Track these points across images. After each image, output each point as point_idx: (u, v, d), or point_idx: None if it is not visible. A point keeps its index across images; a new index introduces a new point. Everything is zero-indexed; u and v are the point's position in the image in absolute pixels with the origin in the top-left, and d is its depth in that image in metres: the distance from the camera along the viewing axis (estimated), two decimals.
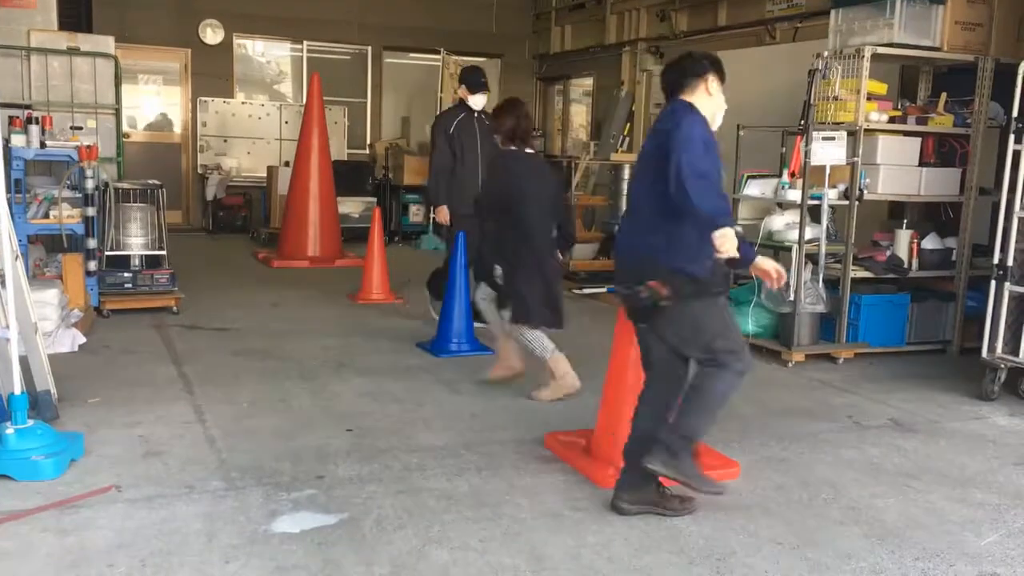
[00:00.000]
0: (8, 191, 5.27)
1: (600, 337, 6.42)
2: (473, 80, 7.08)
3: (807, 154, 6.11)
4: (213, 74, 13.01)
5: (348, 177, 11.60)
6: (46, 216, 6.60)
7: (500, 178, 5.28)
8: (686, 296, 3.47)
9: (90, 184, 6.57)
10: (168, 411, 4.74)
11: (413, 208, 12.35)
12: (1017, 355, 5.42)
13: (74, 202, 6.71)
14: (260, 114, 13.19)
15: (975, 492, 4.00)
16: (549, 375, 5.19)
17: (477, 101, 7.04)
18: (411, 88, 14.27)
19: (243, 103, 13.21)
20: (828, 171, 6.13)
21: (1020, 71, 5.32)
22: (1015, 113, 5.39)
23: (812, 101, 6.27)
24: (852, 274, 6.32)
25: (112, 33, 8.80)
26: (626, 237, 3.73)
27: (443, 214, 6.76)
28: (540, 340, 5.16)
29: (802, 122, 6.29)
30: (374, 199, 11.85)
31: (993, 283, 5.50)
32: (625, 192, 10.05)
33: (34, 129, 6.57)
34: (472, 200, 5.96)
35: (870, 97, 6.25)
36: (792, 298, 6.18)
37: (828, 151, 6.10)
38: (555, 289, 5.19)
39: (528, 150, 5.28)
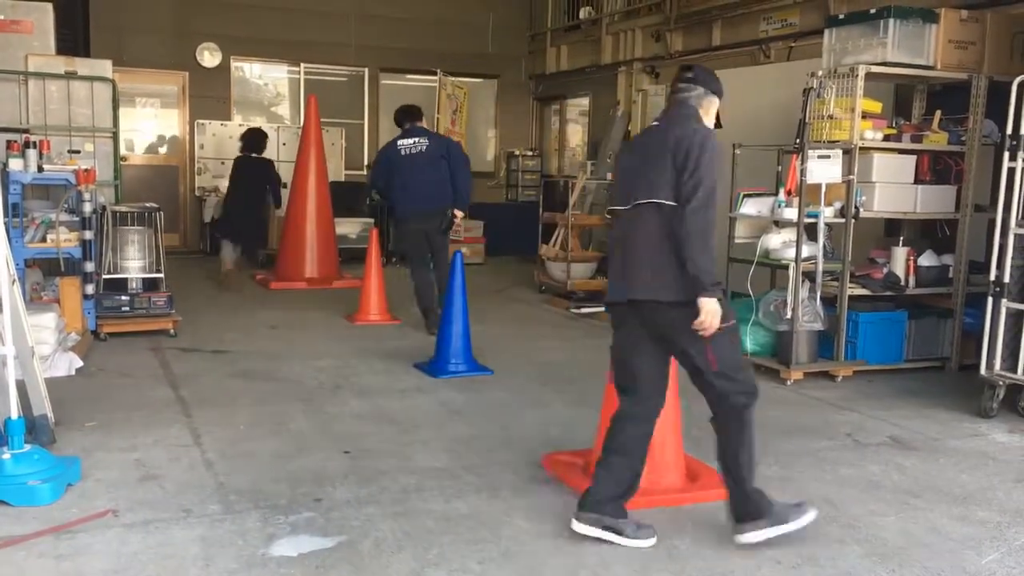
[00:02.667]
0: (6, 215, 5.29)
1: (598, 356, 6.43)
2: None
3: (803, 172, 6.13)
4: (211, 97, 13.06)
5: (345, 198, 11.63)
6: (43, 240, 6.60)
7: None
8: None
9: (88, 207, 6.58)
10: (165, 434, 4.73)
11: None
12: (1015, 372, 5.41)
13: (71, 225, 6.71)
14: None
15: (975, 509, 3.99)
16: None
17: None
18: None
19: (240, 125, 13.22)
20: (824, 189, 6.16)
21: (1013, 89, 5.35)
22: (1009, 130, 5.41)
23: (807, 120, 6.30)
24: (849, 291, 6.33)
25: (110, 57, 8.82)
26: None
27: None
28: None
29: (797, 140, 6.31)
30: (371, 220, 11.86)
31: (990, 300, 5.50)
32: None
33: (32, 153, 6.58)
34: None
35: (865, 115, 6.28)
36: (790, 316, 6.19)
37: (824, 169, 6.12)
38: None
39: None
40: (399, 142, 7.78)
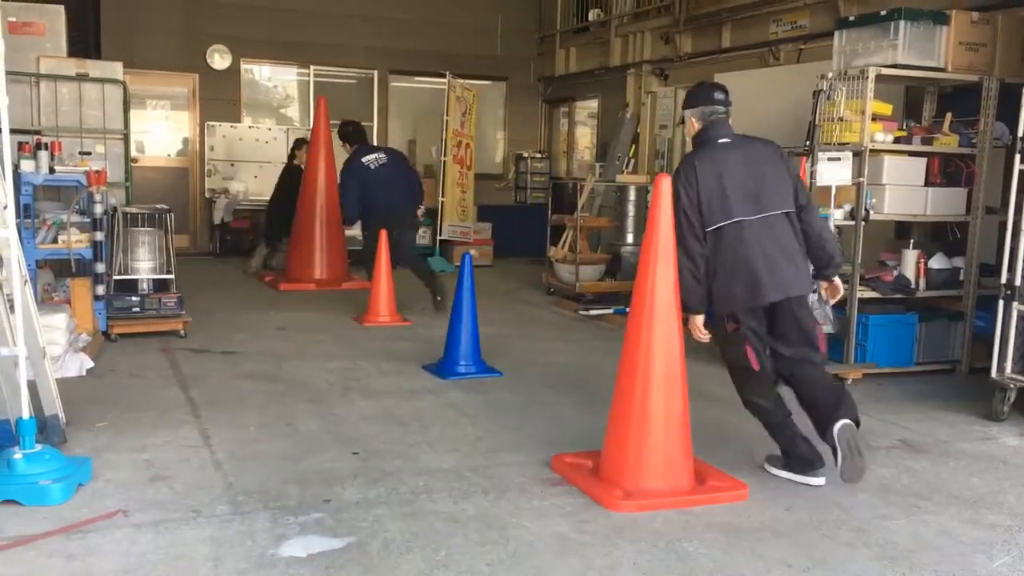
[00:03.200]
0: (17, 216, 5.31)
1: (606, 358, 6.42)
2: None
3: (813, 175, 6.11)
4: (220, 99, 13.10)
5: None
6: (55, 241, 6.63)
7: None
8: None
9: (99, 209, 6.61)
10: (175, 435, 4.74)
11: (420, 230, 12.36)
12: None
13: (83, 227, 6.74)
14: (267, 138, 13.26)
15: (986, 513, 3.97)
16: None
17: None
18: (417, 111, 14.35)
19: (250, 127, 13.28)
20: (834, 191, 6.14)
21: None
22: (1020, 133, 5.39)
23: (817, 122, 6.29)
24: (859, 294, 6.31)
25: (120, 59, 8.86)
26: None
27: None
28: None
29: (807, 143, 6.30)
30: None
31: (1001, 303, 5.48)
32: (631, 214, 10.09)
33: (43, 155, 6.61)
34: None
35: (875, 118, 6.26)
36: None
37: (834, 172, 6.11)
38: None
39: None
40: (364, 159, 8.60)
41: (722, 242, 4.11)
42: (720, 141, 4.24)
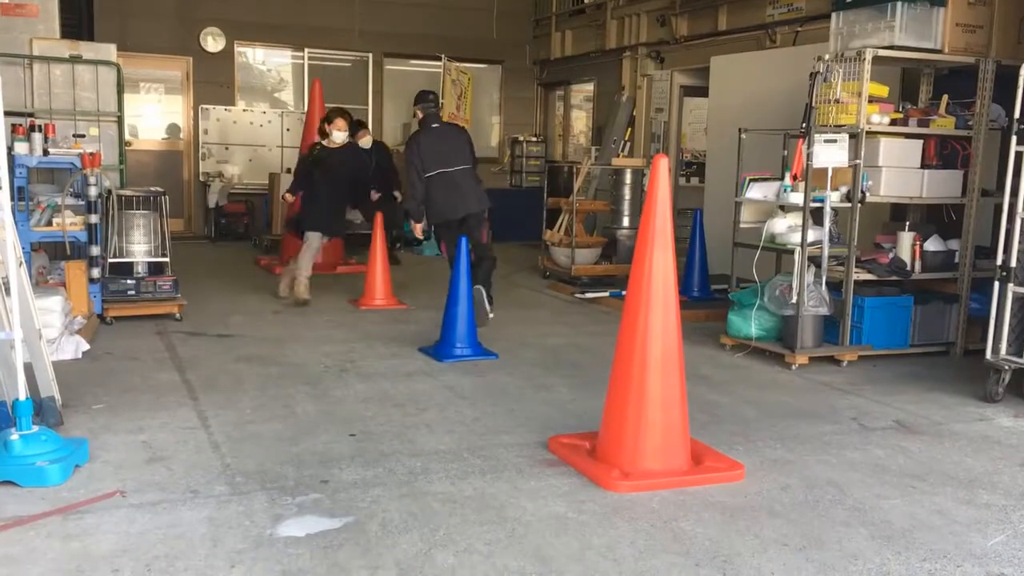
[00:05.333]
0: (12, 199, 5.28)
1: (602, 340, 6.43)
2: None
3: (809, 157, 6.11)
4: (214, 82, 13.05)
5: None
6: (49, 224, 6.61)
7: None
8: None
9: (93, 191, 6.58)
10: (172, 417, 4.74)
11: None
12: (1021, 356, 5.41)
13: (77, 209, 6.72)
14: (261, 121, 13.22)
15: (981, 493, 3.99)
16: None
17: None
18: (412, 95, 14.23)
19: (244, 111, 13.24)
20: (830, 174, 6.13)
21: (1021, 73, 5.32)
22: (1016, 115, 5.38)
23: (813, 104, 6.28)
24: (855, 276, 6.32)
25: (114, 41, 8.82)
26: None
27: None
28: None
29: (804, 125, 6.29)
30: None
31: (996, 285, 5.49)
32: (627, 197, 10.09)
33: (37, 137, 6.58)
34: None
35: (871, 100, 6.25)
36: (795, 301, 6.19)
37: (830, 154, 6.10)
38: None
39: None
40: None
41: (432, 183, 7.11)
42: (432, 126, 7.33)
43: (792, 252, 6.28)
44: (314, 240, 8.26)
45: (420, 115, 7.45)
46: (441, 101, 12.37)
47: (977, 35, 6.51)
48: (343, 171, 8.41)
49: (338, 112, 8.69)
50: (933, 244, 6.60)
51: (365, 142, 10.42)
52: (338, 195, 8.46)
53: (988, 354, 5.52)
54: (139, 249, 7.20)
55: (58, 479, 3.75)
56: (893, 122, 6.44)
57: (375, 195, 9.91)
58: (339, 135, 8.40)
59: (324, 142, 8.41)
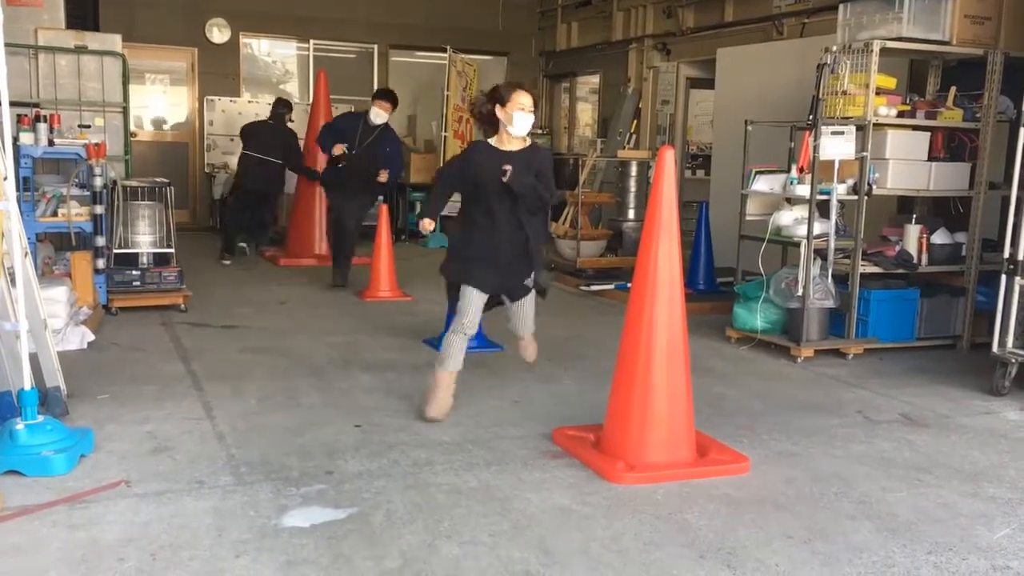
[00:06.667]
0: (17, 189, 5.29)
1: (608, 332, 6.42)
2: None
3: (816, 149, 6.08)
4: (220, 73, 13.02)
5: None
6: (55, 214, 6.61)
7: None
8: None
9: (98, 182, 6.58)
10: (177, 407, 4.75)
11: (420, 206, 12.33)
12: None
13: (82, 200, 6.72)
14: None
15: (987, 486, 3.98)
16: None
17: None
18: (418, 86, 14.25)
19: (250, 102, 13.21)
20: (837, 166, 6.11)
21: None
22: None
23: (820, 96, 6.25)
24: (861, 269, 6.29)
25: (119, 32, 8.80)
26: None
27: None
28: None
29: (810, 117, 6.26)
30: (381, 197, 11.84)
31: (1004, 278, 5.47)
32: (633, 190, 10.06)
33: (42, 127, 6.58)
34: None
35: (879, 91, 6.22)
36: (801, 294, 6.17)
37: (837, 146, 6.08)
38: None
39: None
40: None
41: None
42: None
43: (798, 245, 6.26)
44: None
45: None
46: (447, 93, 12.35)
47: (985, 27, 6.47)
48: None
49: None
50: (940, 237, 6.57)
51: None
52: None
53: (995, 347, 5.50)
54: (144, 240, 7.21)
55: (63, 469, 3.76)
56: (900, 114, 6.40)
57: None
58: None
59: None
